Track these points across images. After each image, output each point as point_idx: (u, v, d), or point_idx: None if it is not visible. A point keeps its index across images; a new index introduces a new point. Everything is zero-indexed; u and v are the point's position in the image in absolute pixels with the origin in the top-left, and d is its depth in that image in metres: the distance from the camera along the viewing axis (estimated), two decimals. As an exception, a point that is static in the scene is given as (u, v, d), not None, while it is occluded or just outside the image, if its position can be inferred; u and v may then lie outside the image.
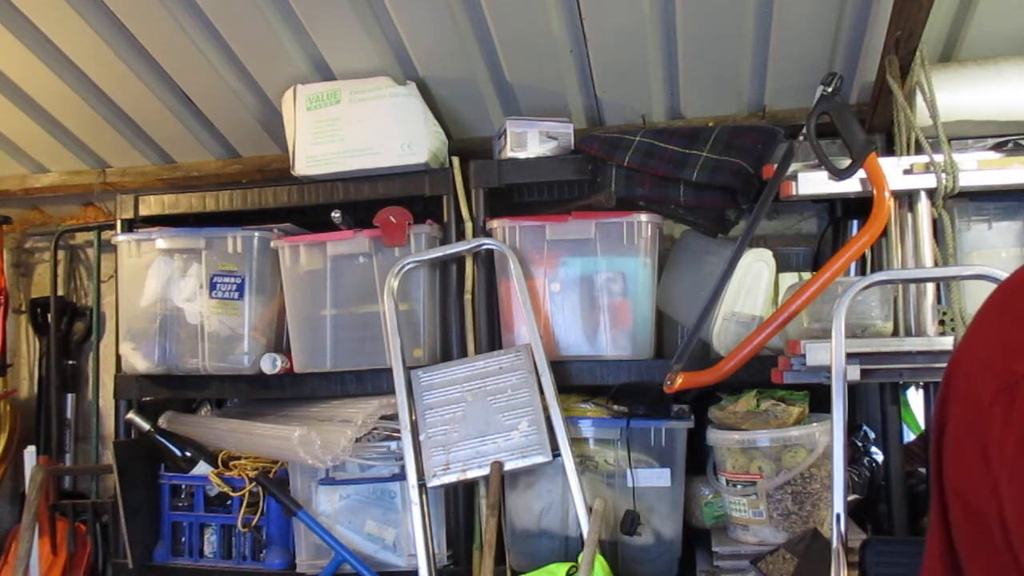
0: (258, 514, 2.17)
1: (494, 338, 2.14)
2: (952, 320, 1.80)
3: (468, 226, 2.16)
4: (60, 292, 2.99)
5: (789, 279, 2.02)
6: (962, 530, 0.69)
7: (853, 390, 2.17)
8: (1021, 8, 1.88)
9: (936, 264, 1.79)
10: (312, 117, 2.22)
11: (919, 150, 1.79)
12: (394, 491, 2.12)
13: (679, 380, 1.77)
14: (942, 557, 0.73)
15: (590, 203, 2.06)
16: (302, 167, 2.22)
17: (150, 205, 2.39)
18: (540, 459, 1.93)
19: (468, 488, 2.08)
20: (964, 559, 0.69)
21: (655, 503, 1.98)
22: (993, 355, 0.67)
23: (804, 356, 1.68)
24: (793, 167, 1.84)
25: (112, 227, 2.47)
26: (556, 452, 1.92)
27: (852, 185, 1.80)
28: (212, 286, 2.23)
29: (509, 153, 2.15)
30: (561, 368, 2.03)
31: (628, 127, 2.29)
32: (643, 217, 2.04)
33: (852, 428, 2.13)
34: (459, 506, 2.09)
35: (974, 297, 1.81)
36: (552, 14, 1.98)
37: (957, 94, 1.85)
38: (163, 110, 2.42)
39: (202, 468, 2.25)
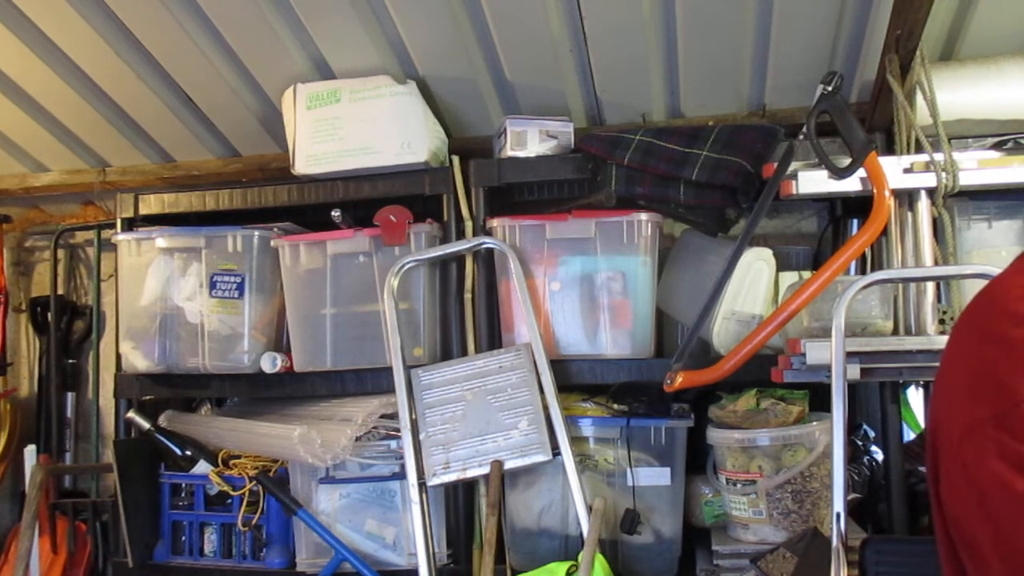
0: (258, 513, 2.17)
1: (494, 337, 2.14)
2: (952, 319, 1.80)
3: (468, 225, 2.15)
4: (60, 291, 2.99)
5: (789, 278, 2.01)
6: (959, 548, 0.69)
7: (853, 389, 2.17)
8: (1021, 7, 1.87)
9: (936, 263, 1.79)
10: (312, 116, 2.22)
11: (919, 149, 1.79)
12: (394, 490, 2.12)
13: (679, 379, 1.77)
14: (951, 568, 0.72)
15: (590, 202, 2.06)
16: (302, 166, 2.22)
17: (150, 204, 2.39)
18: (540, 458, 1.93)
19: (468, 487, 2.08)
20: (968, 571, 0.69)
21: (655, 502, 1.98)
22: (960, 395, 0.67)
23: (804, 355, 1.68)
24: (793, 166, 1.84)
25: (112, 226, 2.47)
26: (556, 451, 1.92)
27: (852, 184, 1.79)
28: (212, 285, 2.23)
29: (509, 152, 2.15)
30: (561, 367, 2.03)
31: (628, 126, 2.29)
32: (643, 216, 2.04)
33: (852, 427, 2.13)
34: (459, 505, 2.09)
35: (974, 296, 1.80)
36: (552, 13, 1.98)
37: (957, 93, 1.85)
38: (163, 109, 2.42)
39: (202, 467, 2.25)
